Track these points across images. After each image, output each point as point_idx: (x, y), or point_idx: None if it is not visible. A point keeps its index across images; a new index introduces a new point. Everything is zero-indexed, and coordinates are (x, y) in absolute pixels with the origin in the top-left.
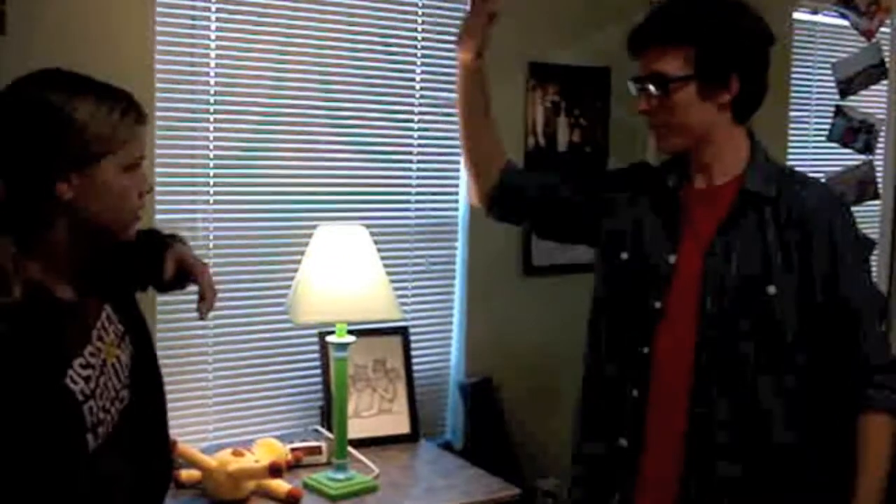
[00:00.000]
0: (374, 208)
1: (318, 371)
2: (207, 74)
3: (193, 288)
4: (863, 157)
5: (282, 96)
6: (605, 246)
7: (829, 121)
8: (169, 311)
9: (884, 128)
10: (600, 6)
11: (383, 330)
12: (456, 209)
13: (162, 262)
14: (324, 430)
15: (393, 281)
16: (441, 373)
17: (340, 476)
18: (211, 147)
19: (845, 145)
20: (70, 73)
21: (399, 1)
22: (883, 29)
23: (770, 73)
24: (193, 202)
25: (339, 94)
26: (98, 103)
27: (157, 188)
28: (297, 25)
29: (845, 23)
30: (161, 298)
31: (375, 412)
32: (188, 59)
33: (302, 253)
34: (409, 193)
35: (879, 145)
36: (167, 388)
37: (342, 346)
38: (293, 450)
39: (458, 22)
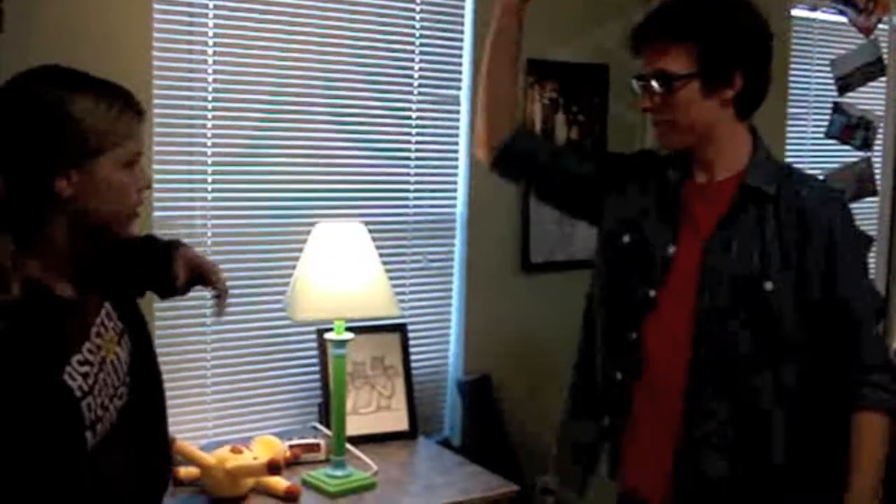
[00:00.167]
0: (373, 205)
1: (317, 368)
2: (205, 72)
3: (191, 292)
4: (861, 153)
5: (280, 93)
6: (608, 226)
7: (828, 117)
8: (167, 309)
9: (882, 124)
10: (599, 3)
11: (382, 327)
12: (454, 206)
13: (170, 268)
14: (322, 428)
15: (391, 278)
16: (439, 370)
17: (339, 473)
18: (209, 144)
19: (843, 142)
20: (68, 70)
21: None
22: (881, 26)
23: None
24: (191, 199)
25: (338, 90)
26: (96, 100)
27: (156, 185)
28: (296, 23)
29: (843, 19)
30: None
31: (374, 409)
32: (186, 55)
33: (300, 250)
34: (407, 190)
35: (878, 142)
36: (166, 385)
37: (340, 344)
38: (292, 447)
39: (455, 17)
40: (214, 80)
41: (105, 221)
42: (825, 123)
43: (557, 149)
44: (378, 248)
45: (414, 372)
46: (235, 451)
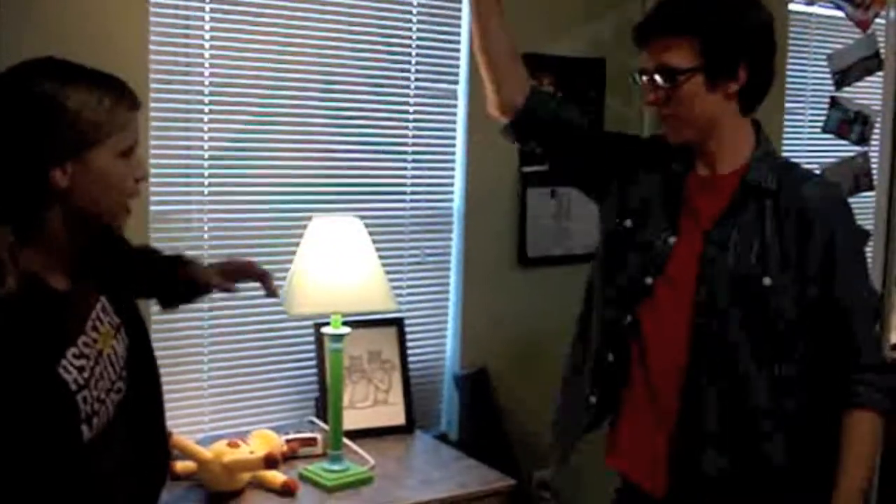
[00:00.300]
0: (369, 199)
1: (314, 362)
2: (202, 66)
3: None
4: (858, 148)
5: (277, 88)
6: (612, 209)
7: (824, 112)
8: None
9: (879, 119)
10: None
11: (379, 321)
12: (451, 200)
13: (176, 279)
14: (319, 422)
15: (388, 272)
16: (436, 364)
17: (336, 467)
18: (206, 139)
19: (840, 137)
20: (62, 61)
21: None
22: (878, 20)
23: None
24: (188, 194)
25: (335, 85)
26: (90, 90)
27: (152, 180)
28: (293, 17)
29: (840, 14)
30: None
31: (371, 403)
32: (183, 49)
33: (297, 244)
34: (404, 185)
35: (874, 137)
36: (163, 379)
37: (337, 338)
38: (288, 441)
39: (451, 11)
40: (211, 75)
41: (101, 212)
42: (822, 118)
43: (577, 122)
44: (375, 242)
45: (411, 366)
46: (232, 445)
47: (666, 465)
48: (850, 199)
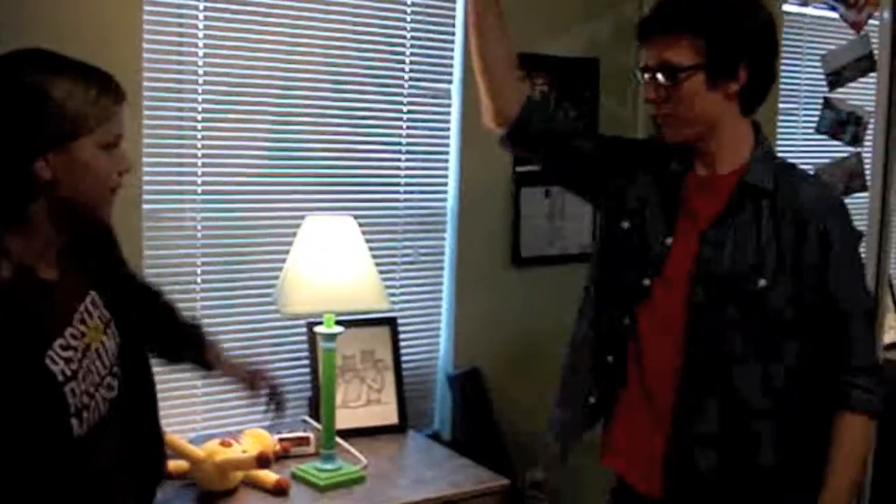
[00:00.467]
0: (363, 199)
1: (307, 362)
2: (195, 66)
3: (181, 286)
4: (851, 148)
5: (270, 87)
6: (610, 211)
7: (818, 113)
8: None
9: (872, 120)
10: None
11: (372, 320)
12: (445, 200)
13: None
14: (312, 421)
15: (381, 271)
16: (429, 363)
17: (328, 466)
18: (199, 137)
19: (833, 137)
20: (48, 52)
21: None
22: (871, 21)
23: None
24: (181, 192)
25: (329, 84)
26: (75, 82)
27: (146, 179)
28: (287, 16)
29: (834, 15)
30: None
31: (363, 403)
32: (176, 48)
33: (290, 243)
34: (397, 184)
35: (868, 137)
36: (155, 378)
37: (330, 337)
38: (281, 440)
39: (446, 10)
40: (205, 74)
41: (85, 203)
42: (815, 119)
43: (571, 128)
44: (368, 241)
45: (404, 365)
46: (225, 444)
47: (661, 465)
48: (843, 200)
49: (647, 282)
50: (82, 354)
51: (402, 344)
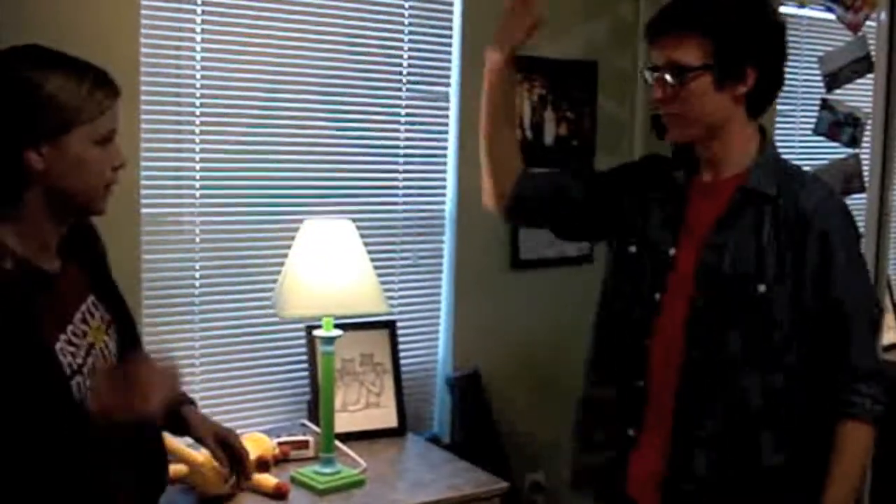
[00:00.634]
0: (362, 202)
1: (305, 365)
2: (193, 68)
3: (180, 289)
4: (849, 150)
5: (269, 90)
6: (617, 238)
7: (816, 114)
8: (155, 307)
9: (870, 121)
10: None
11: (370, 324)
12: (443, 202)
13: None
14: (311, 425)
15: (380, 274)
16: (428, 366)
17: (328, 470)
18: (197, 141)
19: (831, 139)
20: (45, 48)
21: None
22: (869, 22)
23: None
24: (180, 196)
25: (327, 87)
26: (69, 76)
27: (144, 182)
28: (285, 20)
29: (831, 16)
30: (147, 293)
31: (363, 406)
32: (174, 52)
33: (289, 246)
34: (396, 187)
35: (865, 139)
36: None
37: (329, 340)
38: (280, 444)
39: (443, 13)
40: (203, 77)
41: (78, 196)
42: (813, 120)
43: (558, 184)
44: (367, 244)
45: (403, 369)
46: None
47: (662, 472)
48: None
49: (657, 296)
50: (86, 352)
51: (402, 347)
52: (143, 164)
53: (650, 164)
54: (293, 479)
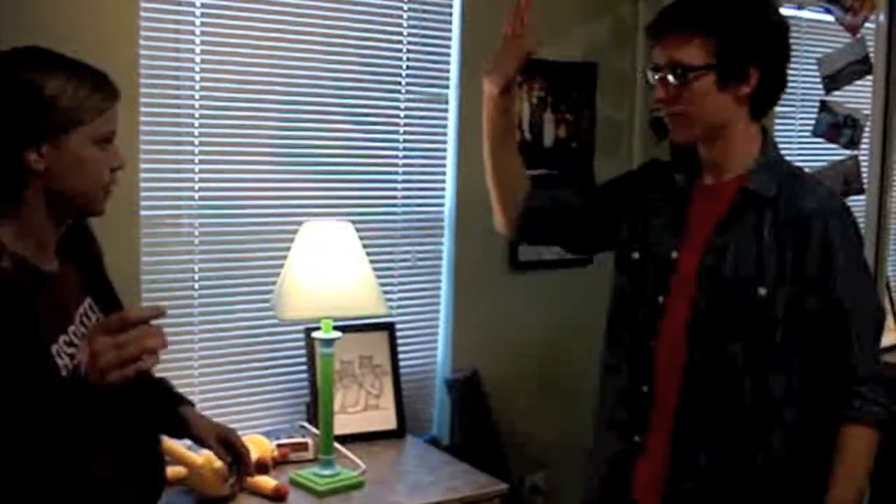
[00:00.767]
0: (360, 204)
1: (305, 367)
2: (192, 70)
3: (179, 292)
4: (847, 151)
5: (267, 93)
6: (620, 248)
7: (815, 116)
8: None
9: (868, 123)
10: (588, 1)
11: (370, 326)
12: (442, 205)
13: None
14: (310, 427)
15: (379, 277)
16: (428, 368)
17: (327, 472)
18: (196, 143)
19: (830, 140)
20: (45, 50)
21: None
22: (867, 24)
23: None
24: (178, 198)
25: (326, 90)
26: (69, 77)
27: (143, 185)
28: (284, 21)
29: (830, 18)
30: (146, 295)
31: (362, 408)
32: (173, 54)
33: (288, 249)
34: (395, 189)
35: (864, 140)
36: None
37: (328, 342)
38: (279, 446)
39: (442, 16)
40: (202, 80)
41: (77, 197)
42: (812, 122)
43: (562, 201)
44: (366, 246)
45: (402, 371)
46: None
47: (667, 478)
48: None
49: (661, 299)
50: None
51: (401, 349)
52: (143, 166)
53: (651, 169)
54: (292, 481)
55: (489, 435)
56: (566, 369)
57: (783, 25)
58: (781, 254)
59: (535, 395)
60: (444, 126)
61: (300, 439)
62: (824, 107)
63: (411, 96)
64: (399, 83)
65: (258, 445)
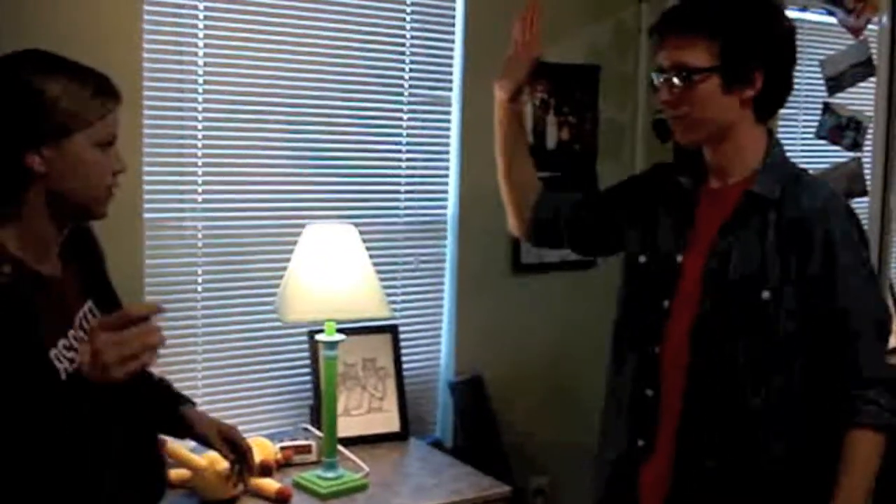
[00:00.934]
0: (364, 206)
1: (308, 370)
2: (195, 73)
3: (182, 294)
4: (850, 154)
5: (271, 95)
6: (629, 250)
7: (817, 118)
8: None
9: (871, 125)
10: (590, 4)
11: (373, 328)
12: (445, 207)
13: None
14: (313, 429)
15: (382, 279)
16: (431, 371)
17: (330, 475)
18: (199, 146)
19: (833, 142)
20: (47, 53)
21: None
22: (870, 26)
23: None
24: (182, 201)
25: (328, 91)
26: (71, 80)
27: (146, 187)
28: (286, 24)
29: (833, 20)
30: (149, 297)
31: (365, 411)
32: (176, 56)
33: (291, 251)
34: (398, 192)
35: (867, 142)
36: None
37: (332, 345)
38: (283, 448)
39: (445, 18)
40: (205, 82)
41: (79, 200)
42: (815, 124)
43: (572, 203)
44: (369, 249)
45: (405, 373)
46: None
47: (671, 481)
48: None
49: (666, 304)
50: None
51: (404, 351)
52: (146, 168)
53: (658, 173)
54: (295, 484)
55: (492, 437)
56: (569, 371)
57: (789, 28)
58: (785, 256)
59: (538, 397)
60: (447, 129)
61: (303, 442)
62: (827, 109)
63: (414, 99)
64: (402, 86)
65: (261, 448)
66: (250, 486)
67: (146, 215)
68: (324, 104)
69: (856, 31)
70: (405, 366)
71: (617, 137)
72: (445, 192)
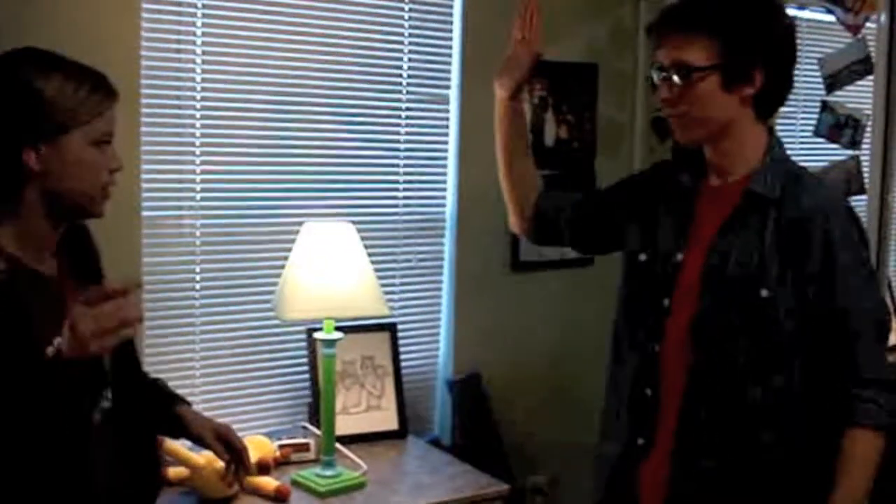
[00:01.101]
0: (362, 204)
1: (306, 368)
2: (194, 71)
3: (180, 292)
4: (849, 152)
5: (269, 93)
6: (629, 248)
7: (816, 116)
8: (155, 309)
9: (870, 123)
10: (588, 2)
11: (371, 326)
12: (443, 205)
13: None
14: (312, 427)
15: (380, 277)
16: (429, 369)
17: (328, 473)
18: (197, 144)
19: (831, 140)
20: (44, 51)
21: None
22: (869, 24)
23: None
24: (180, 199)
25: (327, 90)
26: (67, 78)
27: (144, 185)
28: (285, 22)
29: (831, 18)
30: (148, 295)
31: (363, 409)
32: (175, 55)
33: (289, 249)
34: (396, 189)
35: (865, 141)
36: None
37: (330, 343)
38: (281, 447)
39: (443, 16)
40: (203, 80)
41: (75, 197)
42: (813, 122)
43: (573, 202)
44: (367, 247)
45: (403, 371)
46: None
47: (669, 480)
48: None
49: (666, 302)
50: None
51: (402, 349)
52: (144, 166)
53: (658, 171)
54: (294, 482)
55: (490, 435)
56: (567, 369)
57: (789, 26)
58: (784, 254)
59: (536, 395)
60: (445, 126)
61: (302, 440)
62: (825, 107)
63: (412, 97)
64: (400, 84)
65: (260, 446)
66: (246, 486)
67: (144, 213)
68: (322, 102)
69: (854, 29)
70: (403, 364)
71: (615, 135)
72: (444, 190)
